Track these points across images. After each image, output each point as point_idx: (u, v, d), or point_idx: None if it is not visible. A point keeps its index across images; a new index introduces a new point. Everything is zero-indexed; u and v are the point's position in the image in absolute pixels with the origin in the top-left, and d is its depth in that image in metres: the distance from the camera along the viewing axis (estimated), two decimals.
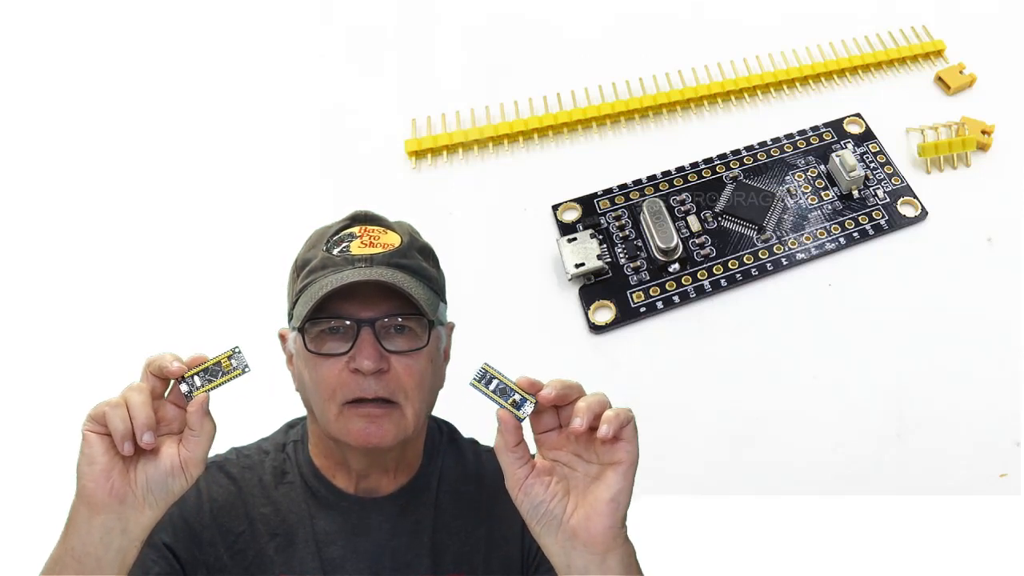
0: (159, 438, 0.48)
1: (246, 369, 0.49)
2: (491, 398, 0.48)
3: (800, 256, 0.94)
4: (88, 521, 0.47)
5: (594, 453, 0.48)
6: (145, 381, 0.49)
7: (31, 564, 0.50)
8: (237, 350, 0.49)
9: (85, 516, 0.47)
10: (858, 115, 1.06)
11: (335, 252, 0.55)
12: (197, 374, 0.49)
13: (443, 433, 0.63)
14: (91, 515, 0.47)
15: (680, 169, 1.02)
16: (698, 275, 0.93)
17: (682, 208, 0.98)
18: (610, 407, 0.47)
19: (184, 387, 0.49)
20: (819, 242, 0.95)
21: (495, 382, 0.48)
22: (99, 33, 1.17)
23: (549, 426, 0.49)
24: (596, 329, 0.90)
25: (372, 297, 0.54)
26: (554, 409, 0.48)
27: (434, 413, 0.60)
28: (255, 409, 0.68)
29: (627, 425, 0.47)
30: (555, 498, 0.47)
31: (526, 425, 0.48)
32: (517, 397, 0.47)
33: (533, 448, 0.50)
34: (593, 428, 0.46)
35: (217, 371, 0.49)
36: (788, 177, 1.01)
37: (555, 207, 0.99)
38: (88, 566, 0.47)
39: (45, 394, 0.85)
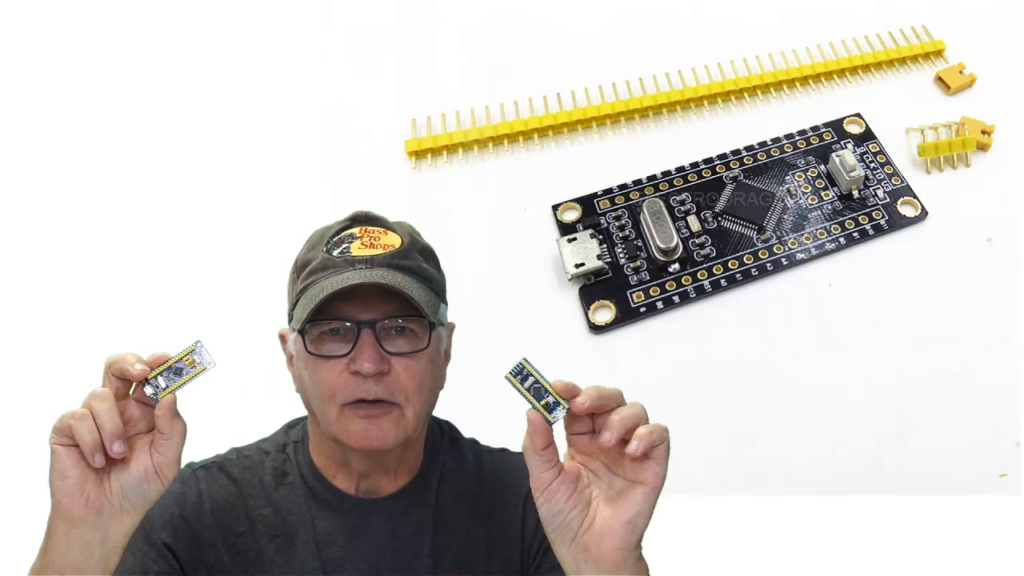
0: (130, 440, 0.47)
1: (210, 365, 0.48)
2: (524, 395, 0.46)
3: (800, 256, 0.94)
4: (67, 535, 0.46)
5: (622, 467, 0.47)
6: (108, 384, 0.47)
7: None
8: (199, 345, 0.48)
9: (63, 530, 0.46)
10: (858, 115, 1.06)
11: (335, 253, 0.55)
12: (161, 374, 0.47)
13: (444, 433, 0.63)
14: (69, 529, 0.46)
15: (680, 169, 1.02)
16: (698, 275, 0.93)
17: (682, 208, 0.98)
18: (646, 421, 0.46)
19: (149, 389, 0.47)
20: (819, 242, 0.95)
21: (531, 380, 0.46)
22: (99, 33, 1.17)
23: (582, 430, 0.47)
24: (596, 329, 0.90)
25: (373, 299, 0.54)
26: (589, 414, 0.47)
27: (434, 413, 0.60)
28: (255, 409, 0.68)
29: (659, 445, 0.45)
30: (574, 509, 0.46)
31: (559, 425, 0.47)
32: (550, 399, 0.46)
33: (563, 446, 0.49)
34: (625, 440, 0.45)
35: (181, 369, 0.48)
36: (788, 177, 1.01)
37: (555, 207, 0.99)
38: None
39: (43, 400, 0.85)
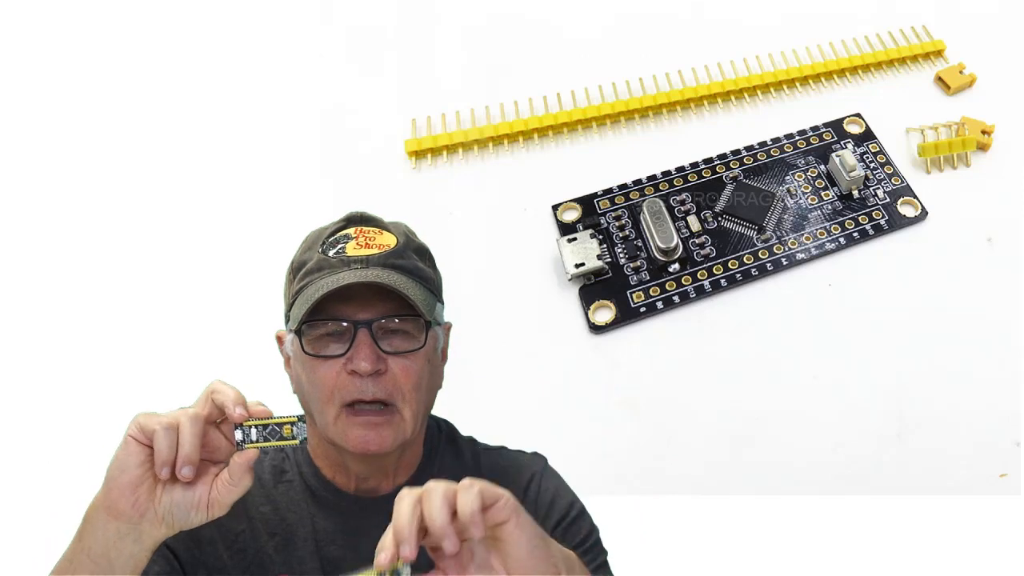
0: (200, 464, 0.47)
1: (302, 442, 0.48)
2: None
3: (800, 256, 0.94)
4: (105, 524, 0.47)
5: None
6: (203, 407, 0.47)
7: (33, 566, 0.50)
8: (301, 420, 0.48)
9: (103, 519, 0.47)
10: (858, 115, 1.06)
11: (331, 254, 0.55)
12: (255, 427, 0.48)
13: (442, 432, 0.63)
14: (108, 519, 0.46)
15: (680, 169, 1.02)
16: (698, 275, 0.93)
17: (682, 208, 0.98)
18: (452, 499, 0.42)
19: (239, 434, 0.48)
20: (819, 242, 0.95)
21: None
22: (99, 33, 1.17)
23: (433, 545, 0.44)
24: (596, 329, 0.90)
25: (368, 298, 0.54)
26: (423, 533, 0.43)
27: (434, 412, 0.60)
28: None
29: (469, 510, 0.41)
30: None
31: None
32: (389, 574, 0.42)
33: None
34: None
35: (275, 432, 0.48)
36: (788, 177, 1.01)
37: (555, 207, 0.99)
38: (102, 567, 0.47)
39: (41, 396, 0.85)
